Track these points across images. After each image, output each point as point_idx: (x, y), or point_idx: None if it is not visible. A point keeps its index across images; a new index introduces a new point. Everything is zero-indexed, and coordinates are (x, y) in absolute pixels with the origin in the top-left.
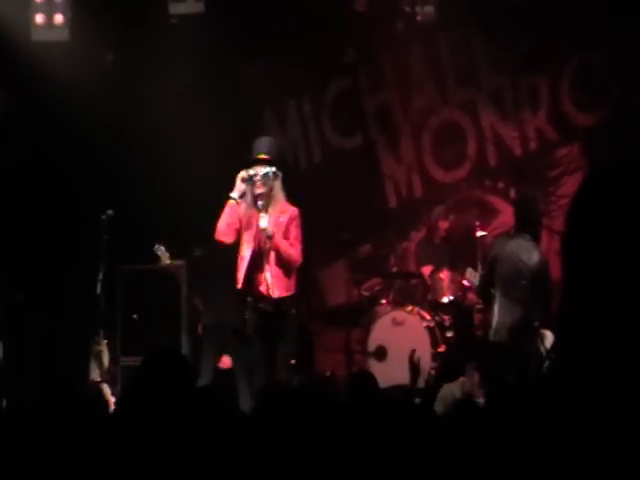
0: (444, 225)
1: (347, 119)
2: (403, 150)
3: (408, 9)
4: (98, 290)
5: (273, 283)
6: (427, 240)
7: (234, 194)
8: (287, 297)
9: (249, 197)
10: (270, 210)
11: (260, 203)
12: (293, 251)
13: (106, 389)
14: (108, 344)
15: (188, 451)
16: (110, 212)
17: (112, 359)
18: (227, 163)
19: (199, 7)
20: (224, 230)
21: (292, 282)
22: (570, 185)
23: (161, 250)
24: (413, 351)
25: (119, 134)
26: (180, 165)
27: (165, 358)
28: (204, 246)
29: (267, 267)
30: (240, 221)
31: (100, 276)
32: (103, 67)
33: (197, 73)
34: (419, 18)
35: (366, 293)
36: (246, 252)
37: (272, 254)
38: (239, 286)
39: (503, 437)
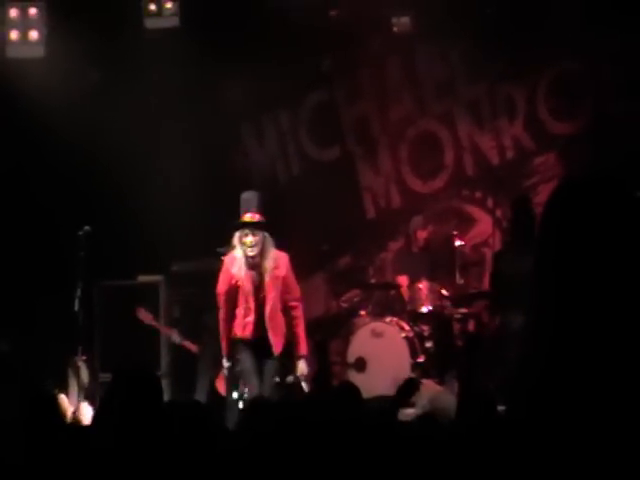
0: (422, 235)
1: (325, 131)
2: (381, 161)
3: (385, 20)
4: (76, 307)
5: (274, 342)
6: (405, 250)
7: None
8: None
9: (243, 258)
10: (266, 266)
11: (251, 261)
12: (300, 318)
13: (63, 400)
14: (87, 360)
15: (165, 467)
16: (87, 228)
17: (91, 376)
18: (205, 178)
19: (174, 21)
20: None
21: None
22: (547, 193)
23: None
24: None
25: (95, 150)
26: (157, 180)
27: (133, 376)
28: (181, 261)
29: (269, 329)
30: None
31: (78, 293)
32: (79, 83)
33: (173, 87)
34: (396, 29)
35: (345, 304)
36: (248, 318)
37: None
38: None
39: (481, 446)
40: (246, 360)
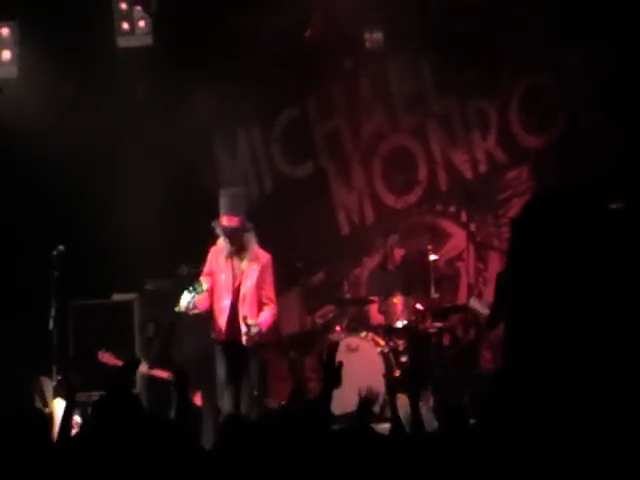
0: (399, 253)
1: (297, 148)
2: (354, 177)
3: (357, 36)
4: (50, 326)
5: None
6: (380, 268)
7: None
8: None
9: (225, 248)
10: (244, 260)
11: (232, 253)
12: (271, 311)
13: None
14: (61, 380)
15: None
16: (61, 248)
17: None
18: (177, 194)
19: (147, 40)
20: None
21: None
22: (519, 207)
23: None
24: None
25: (68, 169)
26: (130, 197)
27: (115, 400)
28: (156, 280)
29: (242, 317)
30: (213, 273)
31: (52, 312)
32: (52, 102)
33: (146, 105)
34: (368, 45)
35: (320, 320)
36: (225, 302)
37: (247, 304)
38: (217, 337)
39: (459, 459)
40: (220, 370)
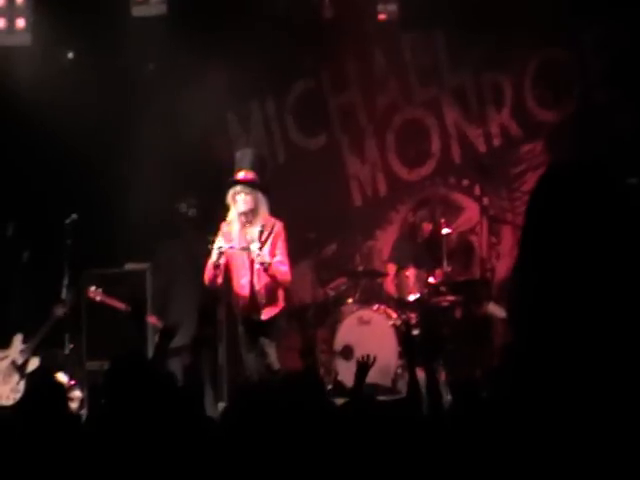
0: (428, 227)
1: (311, 119)
2: (367, 149)
3: (370, 8)
4: (63, 295)
5: (264, 305)
6: (407, 240)
7: (214, 257)
8: (276, 315)
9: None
10: (256, 227)
11: (244, 219)
12: (286, 270)
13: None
14: (73, 348)
15: (161, 453)
16: (74, 216)
17: (78, 363)
18: (191, 164)
19: (162, 9)
20: (211, 277)
21: (281, 297)
22: (534, 181)
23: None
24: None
25: (81, 138)
26: (143, 167)
27: (129, 364)
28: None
29: (258, 290)
30: (227, 259)
31: (65, 280)
32: (64, 69)
33: (159, 75)
34: (382, 17)
35: (332, 292)
36: (244, 279)
37: (262, 276)
38: (237, 310)
39: (475, 429)
40: (240, 341)
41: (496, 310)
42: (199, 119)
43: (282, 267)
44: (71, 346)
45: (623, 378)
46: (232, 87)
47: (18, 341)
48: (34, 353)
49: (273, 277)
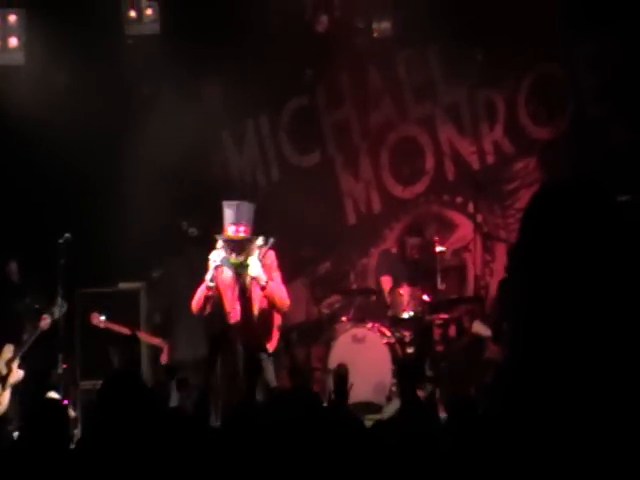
0: (415, 255)
1: (305, 137)
2: (361, 167)
3: (365, 26)
4: (57, 314)
5: (262, 336)
6: (389, 252)
7: (209, 281)
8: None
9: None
10: (248, 267)
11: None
12: (285, 295)
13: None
14: (67, 368)
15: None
16: (68, 235)
17: (72, 382)
18: (186, 183)
19: (155, 28)
20: (199, 307)
21: (277, 325)
22: (527, 198)
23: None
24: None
25: (75, 157)
26: (137, 186)
27: (123, 383)
28: (162, 268)
29: (255, 323)
30: (218, 286)
31: (59, 300)
32: (58, 88)
33: (153, 94)
34: (376, 35)
35: (326, 310)
36: (235, 310)
37: (256, 310)
38: (238, 340)
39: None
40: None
41: (481, 329)
42: (194, 137)
43: (280, 289)
44: (64, 366)
45: (617, 394)
46: (226, 105)
47: (8, 352)
48: (19, 366)
49: (271, 298)
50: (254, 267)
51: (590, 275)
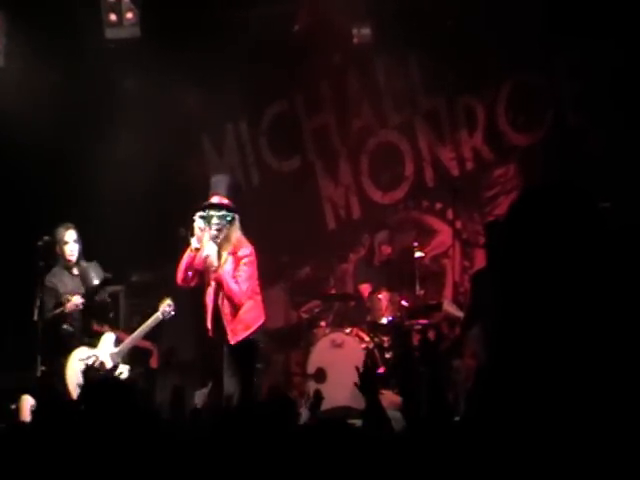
0: (387, 250)
1: (285, 142)
2: (341, 172)
3: (345, 32)
4: (35, 317)
5: (231, 330)
6: (366, 261)
7: (194, 243)
8: (245, 338)
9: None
10: (225, 248)
11: (214, 243)
12: (235, 287)
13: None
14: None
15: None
16: (47, 238)
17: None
18: (165, 188)
19: (135, 31)
20: (184, 276)
21: (250, 318)
22: (506, 205)
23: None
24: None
25: (55, 160)
26: (116, 190)
27: (103, 386)
28: (142, 271)
29: (224, 314)
30: (200, 264)
31: (37, 303)
32: (39, 92)
33: (133, 97)
34: (355, 41)
35: (305, 315)
36: (208, 298)
37: (225, 299)
38: (210, 334)
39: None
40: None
41: (451, 308)
42: (173, 141)
43: (233, 284)
44: (43, 368)
45: (599, 401)
46: (206, 110)
47: (109, 342)
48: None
49: (219, 280)
50: (208, 248)
51: (571, 281)
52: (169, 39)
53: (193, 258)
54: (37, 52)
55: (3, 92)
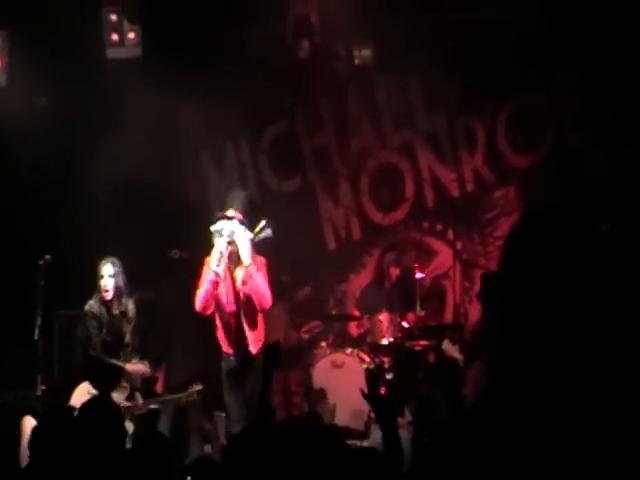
0: (395, 272)
1: (285, 162)
2: (341, 193)
3: (346, 53)
4: (36, 336)
5: (251, 339)
6: (376, 285)
7: (215, 266)
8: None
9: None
10: (239, 265)
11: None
12: (266, 290)
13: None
14: (45, 390)
15: None
16: (47, 257)
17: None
18: (164, 206)
19: (137, 51)
20: (204, 304)
21: (262, 330)
22: (507, 226)
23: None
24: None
25: (55, 178)
26: (116, 208)
27: (97, 410)
28: (141, 291)
29: (245, 325)
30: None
31: (38, 321)
32: (40, 112)
33: (135, 116)
34: (357, 61)
35: (305, 335)
36: (228, 311)
37: (244, 310)
38: (225, 349)
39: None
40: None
41: (450, 349)
42: (173, 161)
43: (263, 284)
44: (42, 387)
45: (601, 425)
46: (207, 129)
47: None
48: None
49: (249, 281)
50: (242, 245)
51: (574, 304)
52: (171, 59)
53: (214, 284)
54: (39, 72)
55: (5, 111)
